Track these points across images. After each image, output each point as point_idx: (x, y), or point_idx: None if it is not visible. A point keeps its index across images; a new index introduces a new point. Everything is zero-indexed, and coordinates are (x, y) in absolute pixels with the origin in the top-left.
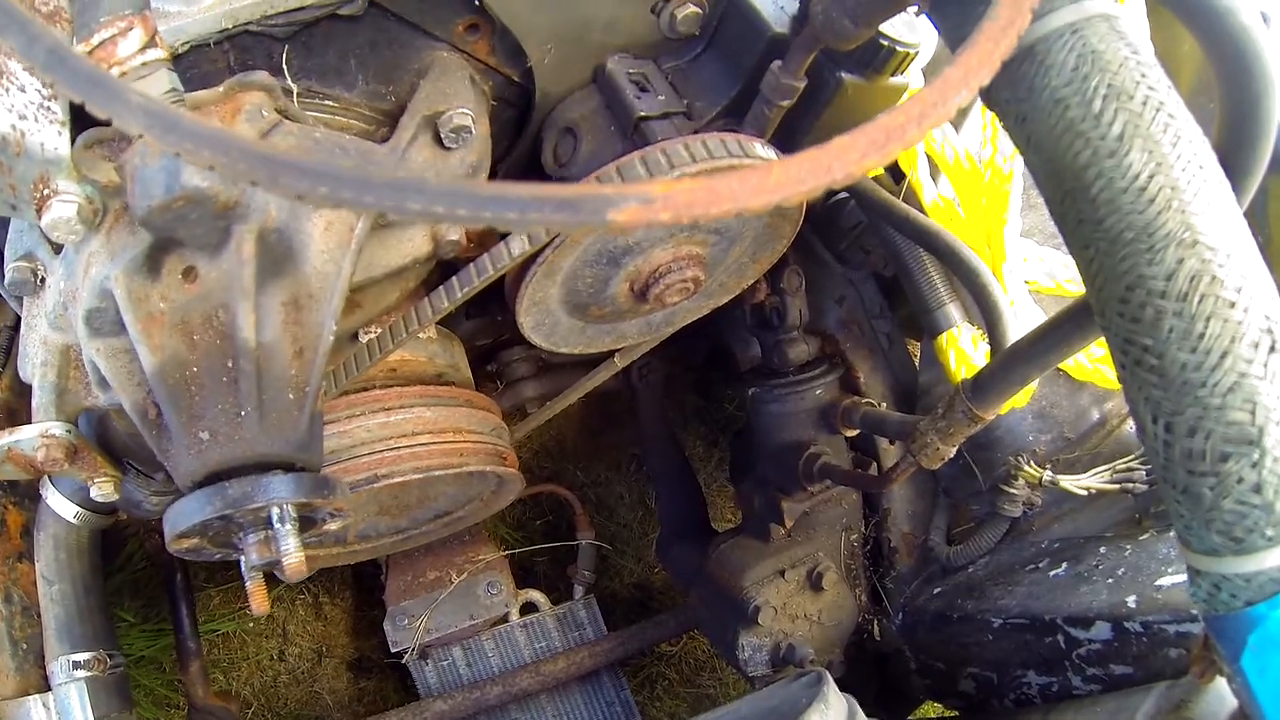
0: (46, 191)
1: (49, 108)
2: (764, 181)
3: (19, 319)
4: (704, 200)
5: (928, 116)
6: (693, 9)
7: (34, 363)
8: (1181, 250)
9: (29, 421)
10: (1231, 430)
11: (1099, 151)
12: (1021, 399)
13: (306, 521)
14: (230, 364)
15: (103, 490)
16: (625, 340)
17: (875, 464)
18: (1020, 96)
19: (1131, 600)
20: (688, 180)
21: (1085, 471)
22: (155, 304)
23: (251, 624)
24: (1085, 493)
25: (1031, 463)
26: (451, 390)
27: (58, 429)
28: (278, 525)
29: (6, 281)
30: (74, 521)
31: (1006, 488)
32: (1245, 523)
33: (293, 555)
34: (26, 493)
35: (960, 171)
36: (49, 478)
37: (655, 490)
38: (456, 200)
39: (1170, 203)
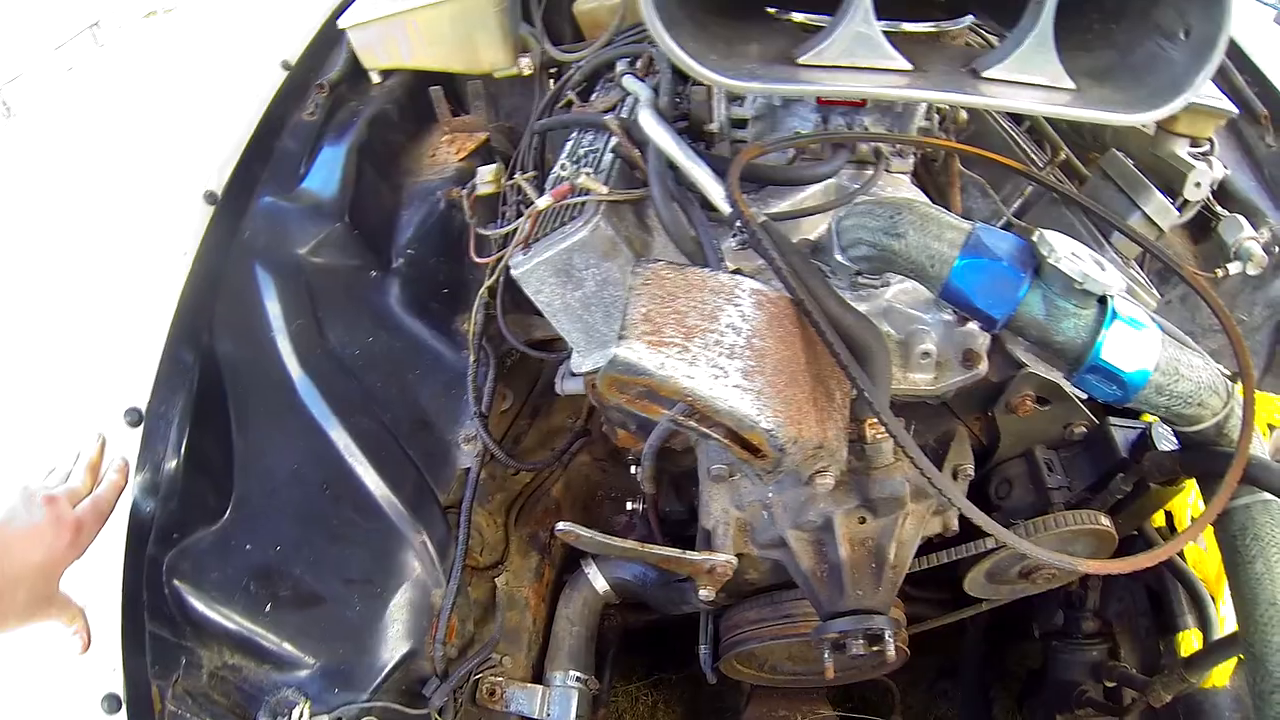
0: (821, 467)
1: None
2: (1122, 564)
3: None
4: (1099, 567)
5: (1172, 551)
6: (1082, 428)
7: (719, 521)
8: None
9: None
10: None
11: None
12: (1222, 679)
13: (876, 638)
14: (874, 566)
15: (708, 594)
16: (999, 596)
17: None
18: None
19: None
20: (1105, 561)
21: None
22: (849, 529)
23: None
24: None
25: None
26: None
27: (727, 559)
28: (888, 639)
29: (713, 473)
30: (601, 593)
31: None
32: None
33: (891, 649)
34: (558, 559)
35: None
36: (592, 557)
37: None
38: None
39: None
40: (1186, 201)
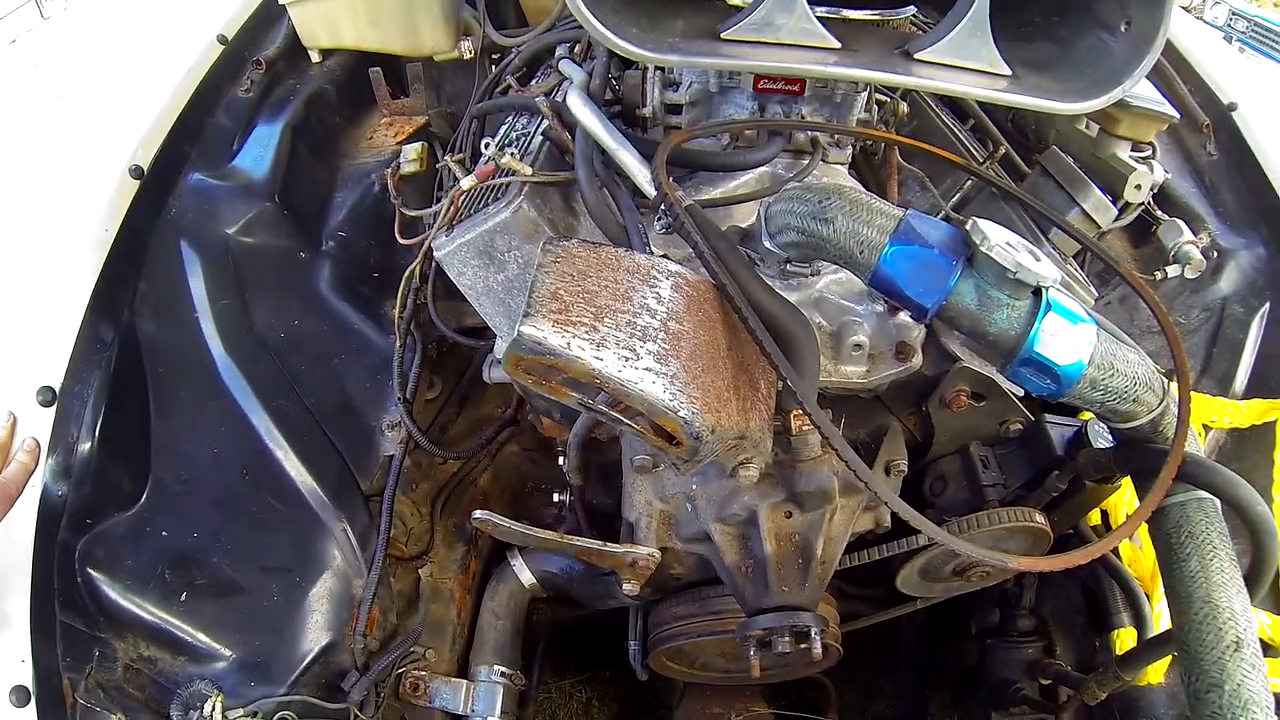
0: (744, 458)
1: None
2: (1054, 561)
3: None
4: (1031, 564)
5: (1106, 548)
6: (1017, 424)
7: (641, 514)
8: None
9: None
10: None
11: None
12: (1157, 676)
13: (802, 636)
14: (801, 562)
15: (632, 588)
16: (933, 593)
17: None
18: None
19: None
20: (1038, 559)
21: None
22: (775, 524)
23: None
24: None
25: None
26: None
27: (650, 553)
28: (814, 636)
29: (636, 464)
30: (526, 586)
31: None
32: None
33: (818, 647)
34: (484, 551)
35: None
36: (518, 550)
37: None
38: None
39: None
40: (1127, 204)
